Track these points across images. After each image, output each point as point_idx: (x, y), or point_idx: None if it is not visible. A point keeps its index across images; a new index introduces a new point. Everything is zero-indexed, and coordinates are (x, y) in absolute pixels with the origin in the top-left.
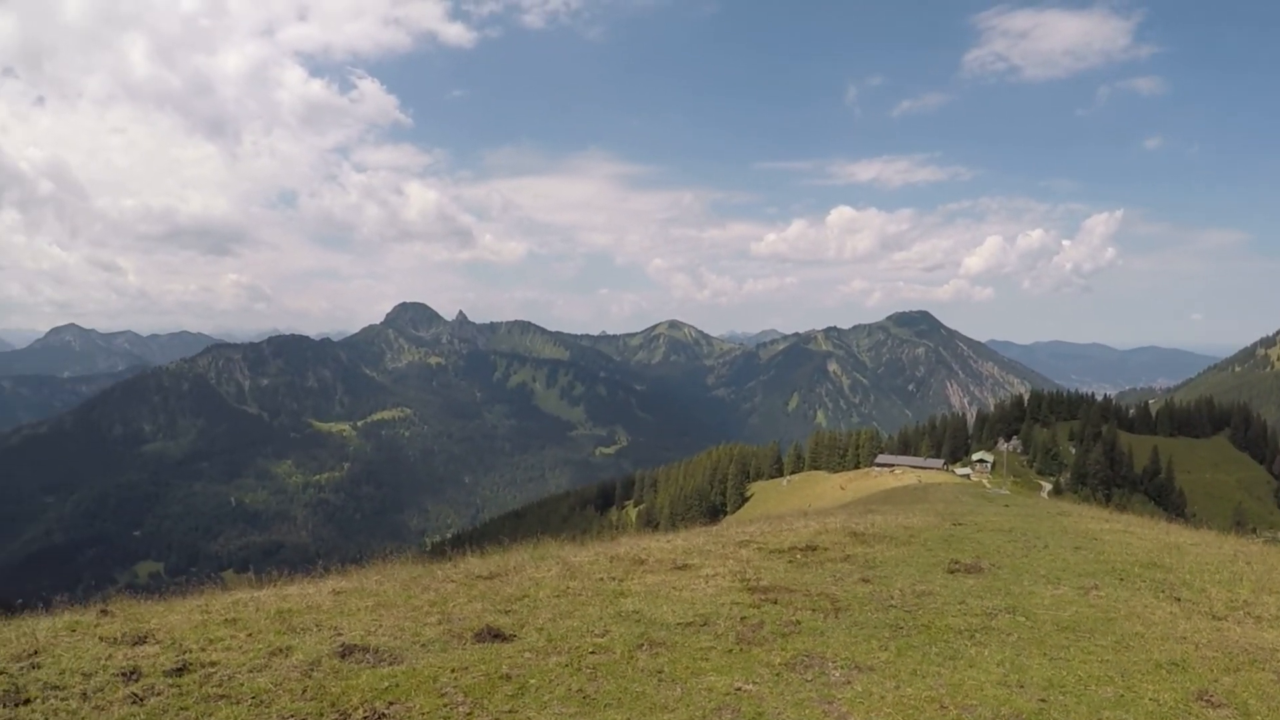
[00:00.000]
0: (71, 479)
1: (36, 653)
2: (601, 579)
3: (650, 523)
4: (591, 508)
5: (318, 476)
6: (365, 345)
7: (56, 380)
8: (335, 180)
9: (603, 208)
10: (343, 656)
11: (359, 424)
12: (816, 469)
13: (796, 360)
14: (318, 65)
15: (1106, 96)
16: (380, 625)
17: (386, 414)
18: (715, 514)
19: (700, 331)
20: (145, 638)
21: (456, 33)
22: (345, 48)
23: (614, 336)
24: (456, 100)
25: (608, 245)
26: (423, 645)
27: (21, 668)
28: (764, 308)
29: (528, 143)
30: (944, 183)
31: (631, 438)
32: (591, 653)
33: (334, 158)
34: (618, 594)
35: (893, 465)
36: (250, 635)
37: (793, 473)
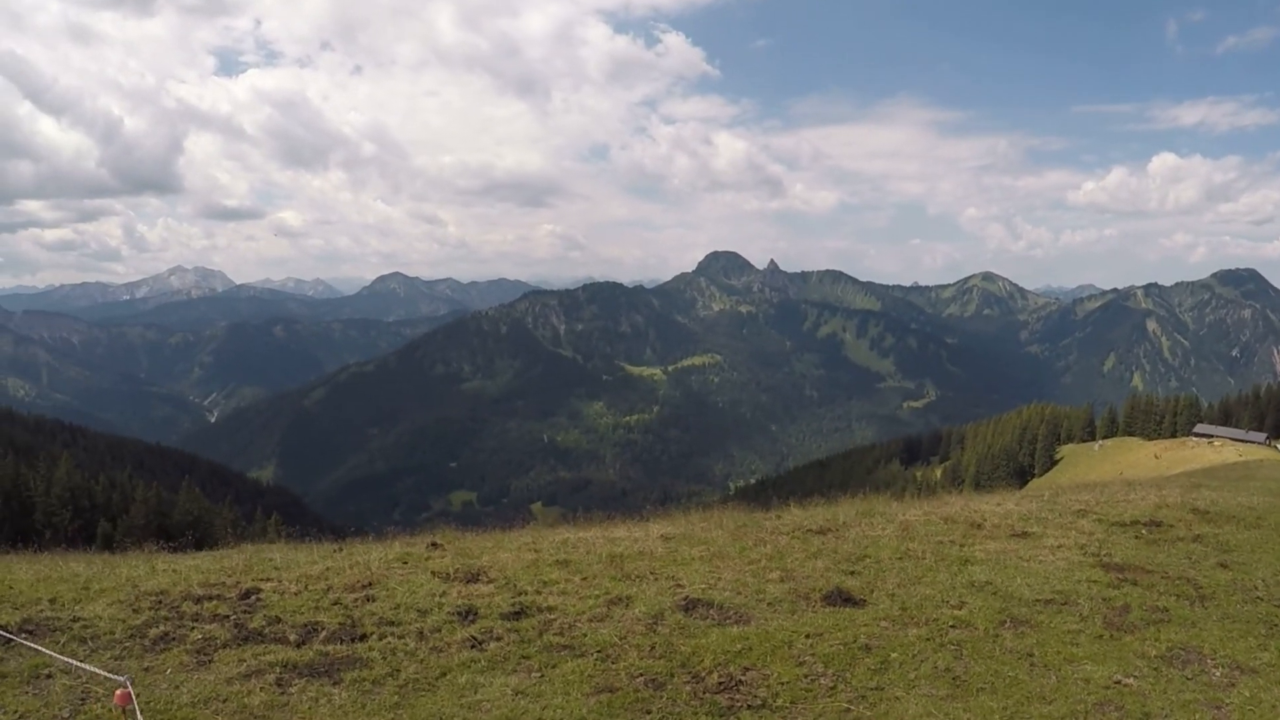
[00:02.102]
0: (394, 413)
1: (370, 584)
2: (941, 542)
3: (956, 480)
4: (897, 462)
5: (627, 418)
6: (677, 293)
7: (382, 324)
8: (645, 133)
9: (913, 156)
10: (686, 611)
11: (669, 369)
12: (1130, 435)
13: (1114, 318)
14: (620, 22)
15: None
16: (719, 579)
17: (696, 360)
18: (1023, 475)
19: (1014, 285)
20: (478, 575)
21: None
22: (646, 3)
23: (925, 288)
24: (761, 50)
25: (919, 194)
26: (769, 604)
27: (356, 599)
28: (1081, 261)
29: (835, 90)
30: (1275, 126)
31: (940, 392)
32: (952, 626)
33: (642, 111)
34: (963, 560)
35: (1211, 437)
36: (585, 580)
37: (1105, 437)
